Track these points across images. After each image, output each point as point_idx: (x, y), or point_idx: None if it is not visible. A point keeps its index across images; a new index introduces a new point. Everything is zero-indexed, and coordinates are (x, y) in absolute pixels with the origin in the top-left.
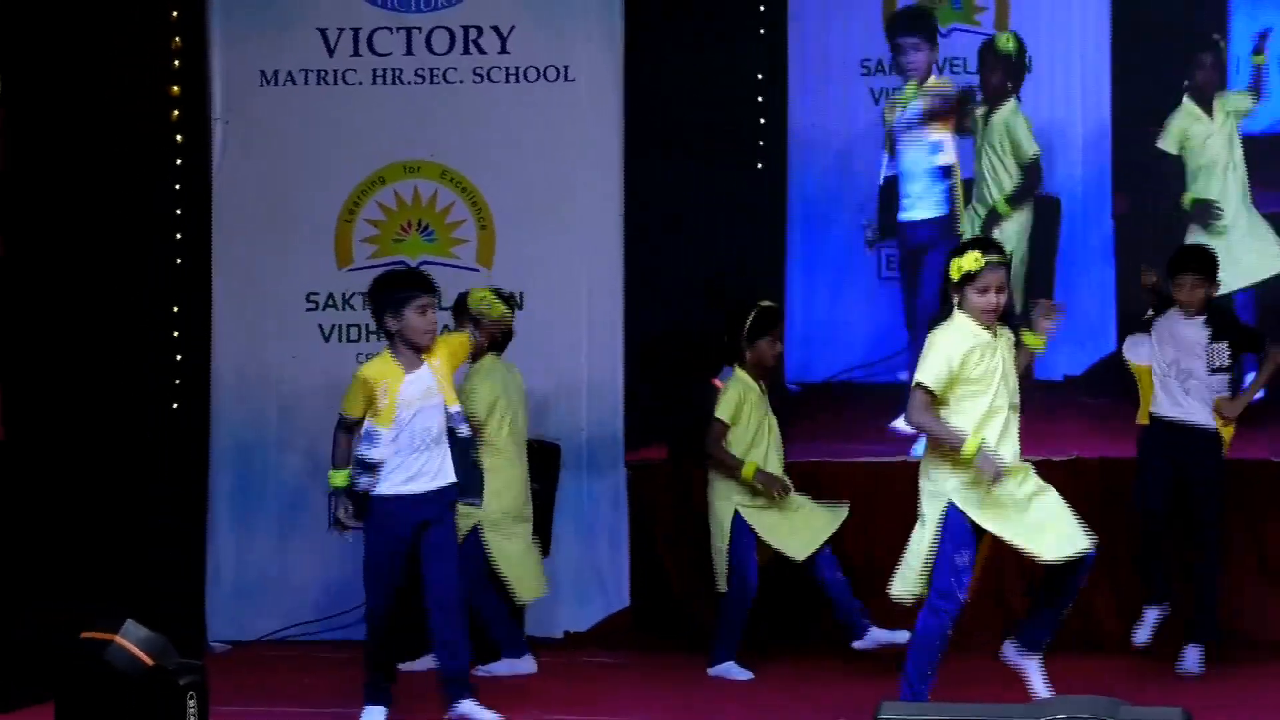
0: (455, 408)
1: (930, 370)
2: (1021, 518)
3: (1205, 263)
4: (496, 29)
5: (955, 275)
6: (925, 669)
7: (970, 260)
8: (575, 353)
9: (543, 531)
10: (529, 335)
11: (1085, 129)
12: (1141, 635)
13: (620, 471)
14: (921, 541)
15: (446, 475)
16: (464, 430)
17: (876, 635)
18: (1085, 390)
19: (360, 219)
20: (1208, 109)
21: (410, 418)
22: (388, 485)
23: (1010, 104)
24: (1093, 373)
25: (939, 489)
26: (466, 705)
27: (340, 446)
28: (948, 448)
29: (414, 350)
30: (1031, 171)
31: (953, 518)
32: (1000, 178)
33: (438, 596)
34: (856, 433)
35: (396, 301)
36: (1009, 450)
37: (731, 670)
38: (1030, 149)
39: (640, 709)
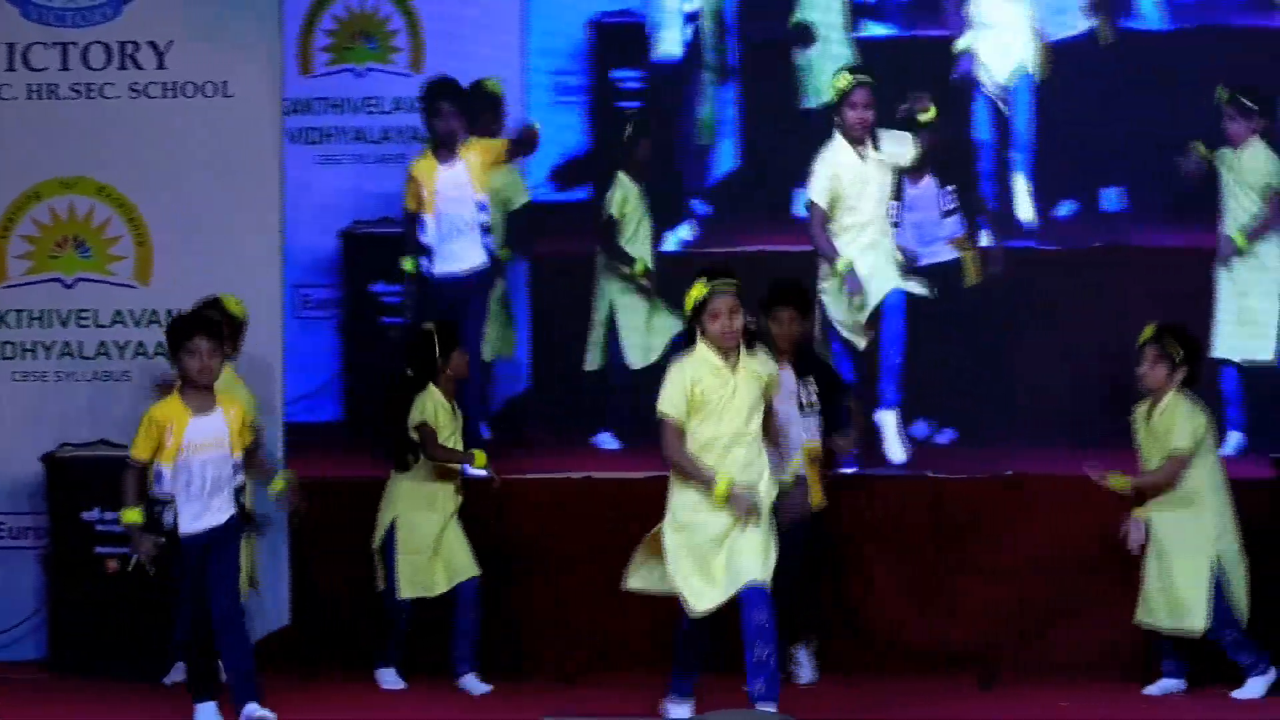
0: (238, 459)
1: (669, 399)
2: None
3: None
4: (154, 44)
5: (689, 306)
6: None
7: (698, 289)
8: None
9: None
10: None
11: None
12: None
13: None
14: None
15: (228, 510)
16: (239, 480)
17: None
18: None
19: (15, 235)
20: None
21: (198, 460)
22: (182, 523)
23: None
24: None
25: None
26: (251, 707)
27: (128, 484)
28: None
29: (199, 391)
30: None
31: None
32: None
33: (221, 616)
34: None
35: (174, 344)
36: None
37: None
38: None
39: None
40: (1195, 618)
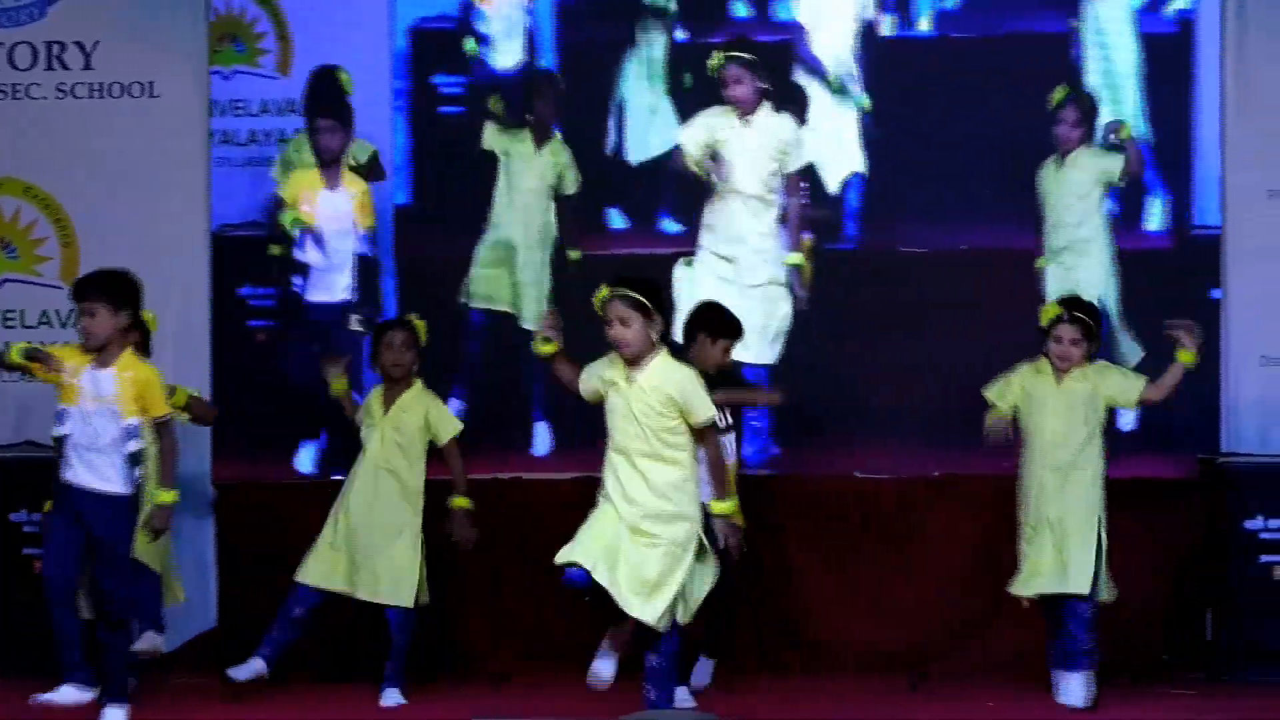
0: (133, 421)
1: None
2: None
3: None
4: (80, 45)
5: (597, 306)
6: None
7: (601, 292)
8: (161, 370)
9: None
10: None
11: None
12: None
13: (208, 493)
14: None
15: (114, 483)
16: (131, 446)
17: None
18: None
19: None
20: None
21: (86, 411)
22: (70, 472)
23: None
24: None
25: None
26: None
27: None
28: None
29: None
30: None
31: None
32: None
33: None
34: None
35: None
36: (625, 492)
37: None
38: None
39: None
40: (1082, 578)
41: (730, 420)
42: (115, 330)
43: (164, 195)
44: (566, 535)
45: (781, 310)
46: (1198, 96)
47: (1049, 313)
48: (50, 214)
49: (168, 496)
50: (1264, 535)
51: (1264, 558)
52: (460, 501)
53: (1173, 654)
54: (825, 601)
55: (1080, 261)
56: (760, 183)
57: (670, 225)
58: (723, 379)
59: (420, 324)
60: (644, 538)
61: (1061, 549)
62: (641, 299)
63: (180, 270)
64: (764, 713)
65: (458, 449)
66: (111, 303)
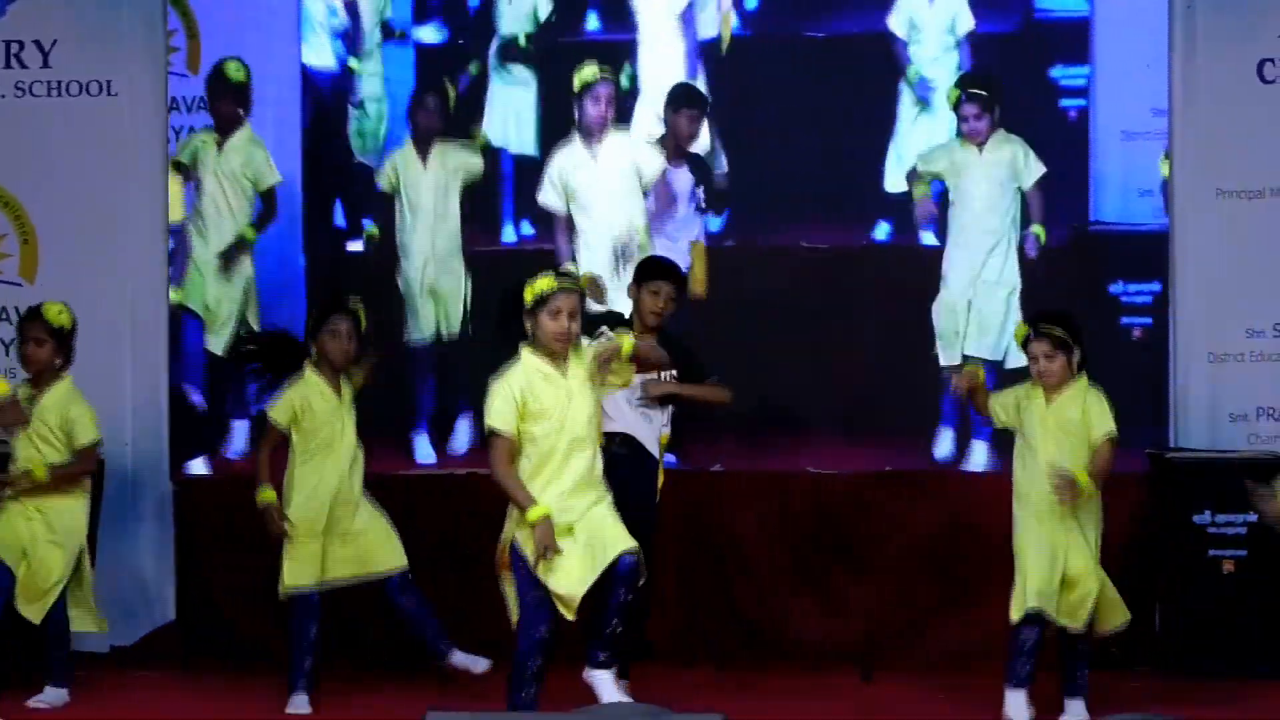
0: None
1: (497, 413)
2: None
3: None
4: (38, 43)
5: (529, 299)
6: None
7: (544, 283)
8: (119, 367)
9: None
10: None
11: None
12: None
13: (166, 487)
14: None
15: None
16: None
17: (458, 659)
18: None
19: None
20: None
21: None
22: None
23: (244, 131)
24: None
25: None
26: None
27: None
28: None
29: None
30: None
31: (515, 556)
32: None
33: None
34: None
35: None
36: (567, 487)
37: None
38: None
39: None
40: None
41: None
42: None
43: (122, 192)
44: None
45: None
46: (1094, 93)
47: (1019, 334)
48: (9, 211)
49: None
50: (1211, 530)
51: (1212, 552)
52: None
53: (1123, 647)
54: (776, 596)
55: (991, 255)
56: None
57: None
58: (672, 352)
59: (360, 308)
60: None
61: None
62: (581, 290)
63: (138, 265)
64: (719, 706)
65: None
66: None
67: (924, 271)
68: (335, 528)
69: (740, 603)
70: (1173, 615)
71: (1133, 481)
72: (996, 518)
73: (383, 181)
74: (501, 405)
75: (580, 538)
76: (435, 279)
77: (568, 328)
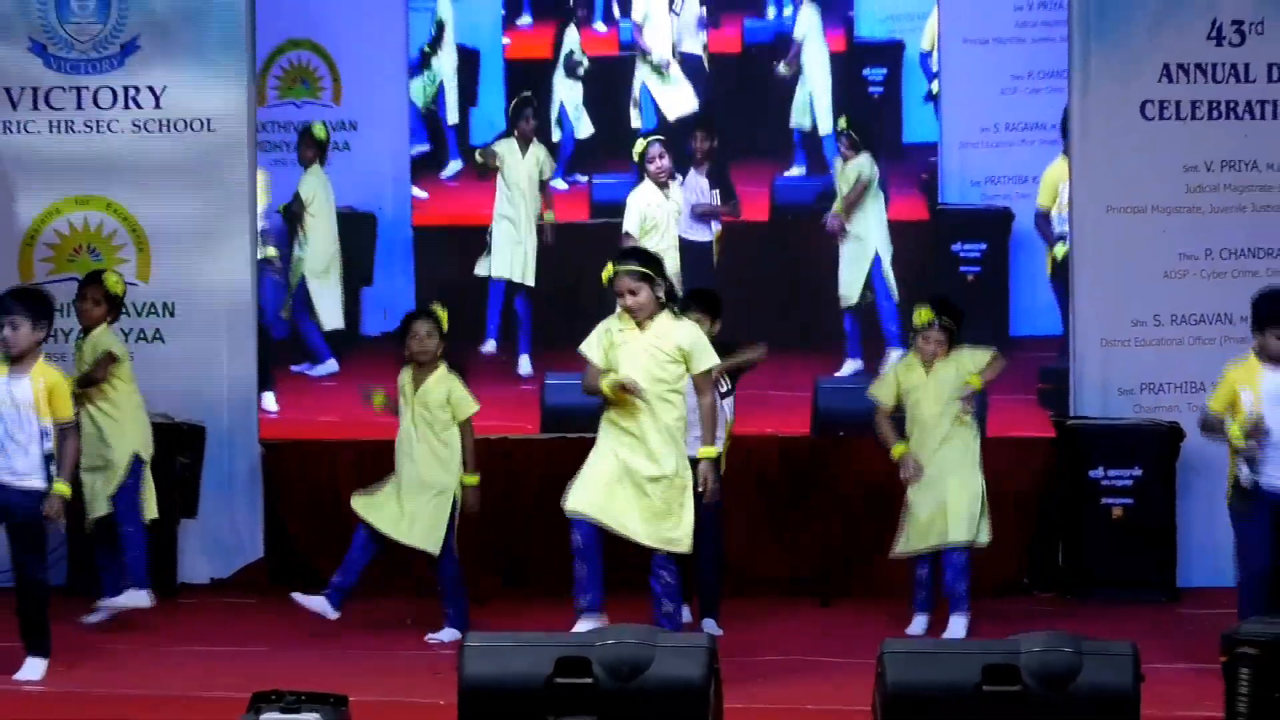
0: (45, 424)
1: (588, 343)
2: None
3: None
4: (151, 88)
5: (605, 282)
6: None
7: (607, 271)
8: (217, 350)
9: (189, 498)
10: (179, 336)
11: None
12: None
13: (256, 450)
14: None
15: (26, 478)
16: (48, 446)
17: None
18: None
19: (40, 243)
20: None
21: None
22: None
23: (316, 168)
24: None
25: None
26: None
27: None
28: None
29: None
30: None
31: None
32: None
33: (18, 570)
34: None
35: None
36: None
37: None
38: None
39: (275, 637)
40: (978, 529)
41: (730, 385)
42: (34, 343)
43: (217, 207)
44: (545, 487)
45: None
46: (944, 103)
47: (922, 316)
48: (127, 225)
49: (64, 489)
50: (1104, 483)
51: (1104, 500)
52: (469, 479)
53: (1032, 578)
54: (751, 537)
55: (867, 227)
56: None
57: None
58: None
59: (443, 313)
60: (650, 476)
61: (944, 507)
62: (643, 269)
63: (230, 266)
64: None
65: (471, 427)
66: (32, 317)
67: None
68: (401, 494)
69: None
70: (1072, 552)
71: (1042, 445)
72: None
73: (485, 158)
74: (593, 338)
75: (627, 494)
76: (522, 236)
77: (628, 303)
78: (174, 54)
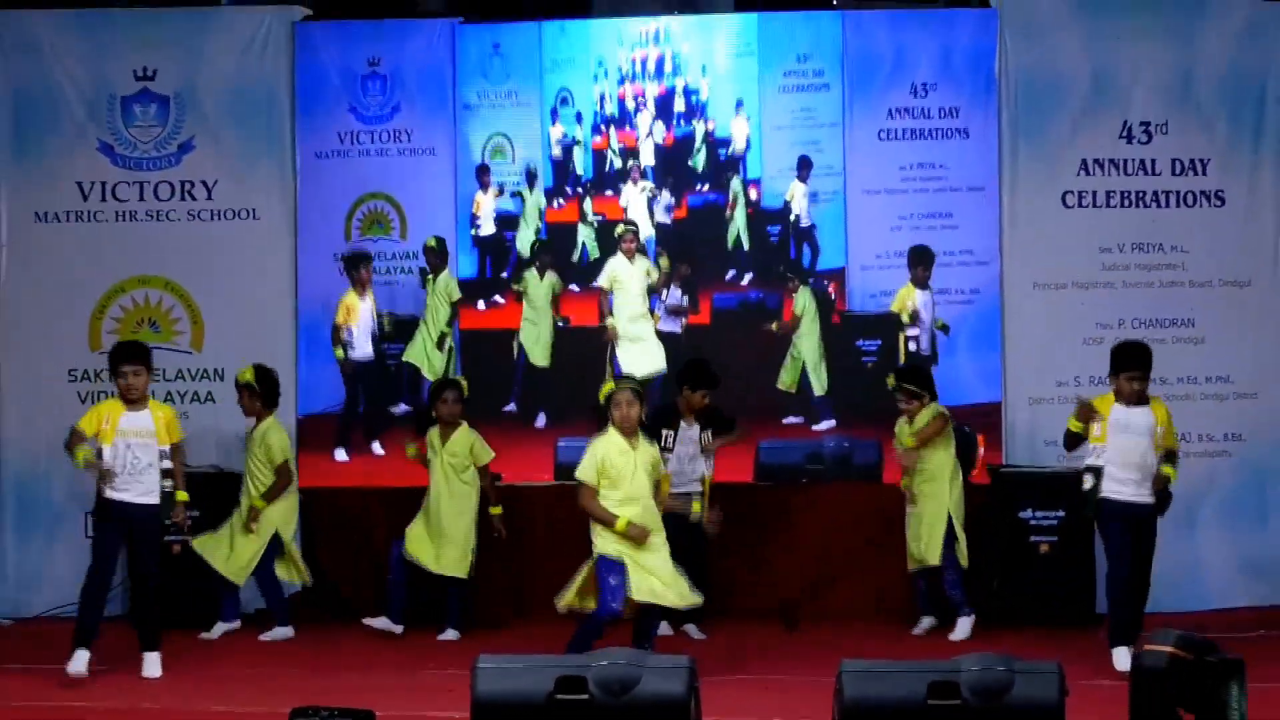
0: (164, 446)
1: (584, 469)
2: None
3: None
4: (204, 183)
5: (602, 399)
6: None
7: (607, 386)
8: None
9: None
10: (229, 395)
11: None
12: None
13: (297, 495)
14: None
15: (149, 495)
16: (165, 464)
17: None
18: None
19: (107, 316)
20: None
21: (125, 445)
22: (111, 491)
23: (446, 273)
24: None
25: (602, 545)
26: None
27: (71, 440)
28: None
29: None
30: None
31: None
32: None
33: (138, 573)
34: None
35: (112, 369)
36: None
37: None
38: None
39: (312, 660)
40: (933, 554)
41: (711, 442)
42: (147, 385)
43: (262, 287)
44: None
45: None
46: (847, 167)
47: (888, 383)
48: (183, 301)
49: (184, 495)
50: (1032, 522)
51: (1032, 538)
52: (495, 510)
53: (970, 604)
54: (728, 569)
55: (813, 345)
56: None
57: None
58: (706, 418)
59: (464, 382)
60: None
61: (924, 537)
62: (641, 389)
63: (274, 345)
64: (688, 650)
65: (489, 470)
66: (146, 367)
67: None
68: (433, 531)
69: (704, 574)
70: (1005, 583)
71: (980, 489)
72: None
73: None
74: (589, 463)
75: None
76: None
77: (628, 415)
78: (224, 153)
